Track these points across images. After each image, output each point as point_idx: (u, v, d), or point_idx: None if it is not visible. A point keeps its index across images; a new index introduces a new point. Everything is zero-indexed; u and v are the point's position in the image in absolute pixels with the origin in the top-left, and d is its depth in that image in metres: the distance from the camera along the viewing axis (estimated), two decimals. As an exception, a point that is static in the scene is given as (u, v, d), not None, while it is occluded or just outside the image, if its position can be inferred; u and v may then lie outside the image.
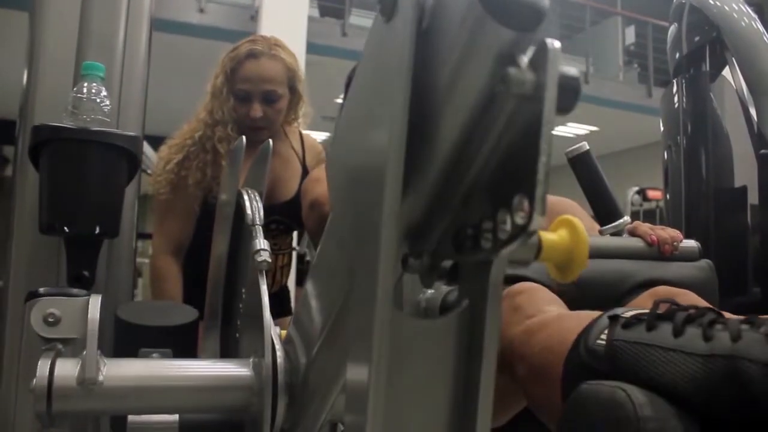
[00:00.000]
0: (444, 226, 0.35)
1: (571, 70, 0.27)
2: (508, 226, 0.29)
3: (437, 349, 0.35)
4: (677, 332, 0.52)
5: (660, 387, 0.49)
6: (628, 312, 0.57)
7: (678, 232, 1.07)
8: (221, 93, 1.49)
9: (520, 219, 0.28)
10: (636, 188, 7.02)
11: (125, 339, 0.76)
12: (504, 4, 0.26)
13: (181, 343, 0.76)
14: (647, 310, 0.56)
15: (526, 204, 0.28)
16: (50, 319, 0.63)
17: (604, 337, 0.55)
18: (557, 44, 0.27)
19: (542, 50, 0.27)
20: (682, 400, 0.48)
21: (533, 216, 0.27)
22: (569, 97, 0.27)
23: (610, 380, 0.52)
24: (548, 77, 0.27)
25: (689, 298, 0.88)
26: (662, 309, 0.56)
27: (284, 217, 1.59)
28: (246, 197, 0.73)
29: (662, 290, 0.95)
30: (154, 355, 0.69)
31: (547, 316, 0.67)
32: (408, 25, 0.31)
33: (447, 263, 0.36)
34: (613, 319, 0.56)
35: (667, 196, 1.97)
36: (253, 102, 1.47)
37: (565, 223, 0.34)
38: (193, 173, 1.46)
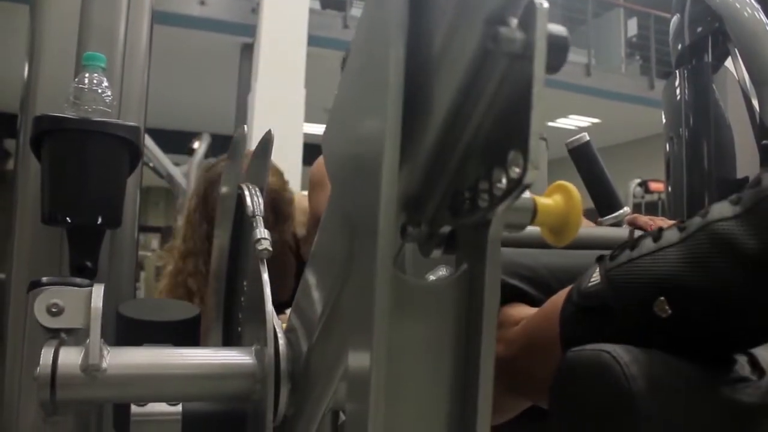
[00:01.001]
0: (441, 192, 0.36)
1: (560, 28, 0.29)
2: (504, 183, 0.30)
3: (437, 315, 0.35)
4: (656, 238, 0.54)
5: (656, 286, 0.51)
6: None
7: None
8: (193, 219, 1.38)
9: (514, 174, 0.29)
10: (638, 180, 7.02)
11: (127, 335, 0.76)
12: None
13: (183, 338, 0.76)
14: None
15: (520, 158, 0.29)
16: (53, 309, 0.63)
17: (596, 276, 0.57)
18: (545, 4, 0.28)
19: (531, 10, 0.28)
20: (681, 290, 0.50)
21: (527, 168, 0.28)
22: (558, 56, 0.28)
23: (608, 312, 0.54)
24: (537, 36, 0.28)
25: None
26: None
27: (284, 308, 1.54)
28: (246, 191, 0.73)
29: None
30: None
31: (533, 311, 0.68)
32: None
33: (445, 230, 0.37)
34: (600, 259, 0.59)
35: (669, 188, 1.97)
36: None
37: (559, 188, 0.35)
38: None
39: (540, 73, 0.28)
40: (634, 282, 0.53)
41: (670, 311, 0.50)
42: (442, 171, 0.35)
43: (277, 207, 1.45)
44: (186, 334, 0.76)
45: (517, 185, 0.29)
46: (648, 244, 0.54)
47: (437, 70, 0.32)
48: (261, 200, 0.70)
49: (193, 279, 1.37)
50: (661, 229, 0.55)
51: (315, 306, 0.51)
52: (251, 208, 0.69)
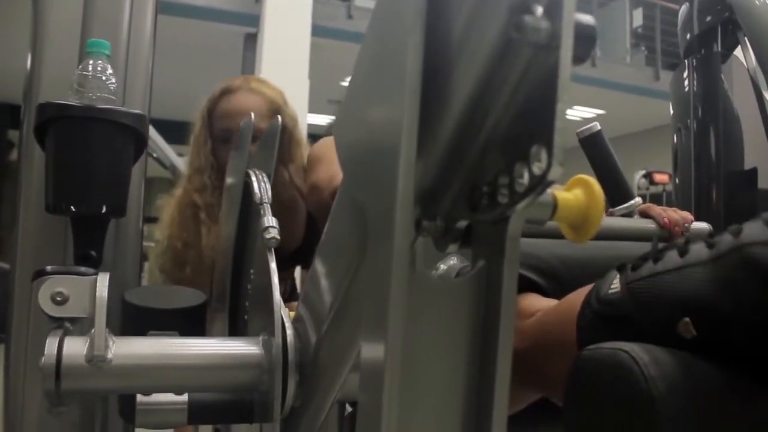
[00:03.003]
0: (458, 186, 0.34)
1: (587, 18, 0.27)
2: (526, 179, 0.28)
3: (453, 312, 0.34)
4: (682, 252, 0.52)
5: (681, 306, 0.49)
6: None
7: (689, 214, 1.06)
8: (199, 139, 1.40)
9: (537, 169, 0.28)
10: (643, 172, 6.98)
11: (132, 322, 0.76)
12: None
13: (189, 326, 0.75)
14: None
15: (543, 153, 0.27)
16: (58, 298, 0.63)
17: (616, 284, 0.55)
18: None
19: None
20: (708, 313, 0.48)
21: (552, 164, 0.27)
22: (585, 46, 0.27)
23: (628, 323, 0.52)
24: (564, 25, 0.26)
25: None
26: None
27: (293, 263, 1.52)
28: (253, 177, 0.72)
29: None
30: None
31: (550, 305, 0.66)
32: None
33: (461, 225, 0.36)
34: (621, 268, 0.57)
35: (677, 180, 1.95)
36: (233, 140, 1.37)
37: (580, 183, 0.34)
38: (179, 235, 1.38)
39: (567, 65, 0.27)
40: (658, 298, 0.51)
41: (694, 333, 0.48)
42: (460, 164, 0.34)
43: (287, 144, 1.44)
44: (192, 322, 0.75)
45: (540, 182, 0.28)
46: (674, 258, 0.52)
47: (456, 59, 0.31)
48: (268, 187, 0.69)
49: (199, 194, 1.37)
50: (687, 242, 0.53)
51: (324, 296, 0.50)
52: (258, 195, 0.67)
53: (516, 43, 0.28)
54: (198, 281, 1.36)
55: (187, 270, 1.37)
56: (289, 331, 0.58)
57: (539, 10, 0.27)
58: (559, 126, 0.27)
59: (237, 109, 1.37)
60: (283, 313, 0.59)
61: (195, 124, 1.42)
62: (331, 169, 1.28)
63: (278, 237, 0.62)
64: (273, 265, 0.61)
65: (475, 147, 0.33)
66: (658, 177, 6.90)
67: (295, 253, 1.49)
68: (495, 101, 0.31)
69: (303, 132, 1.54)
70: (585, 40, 0.27)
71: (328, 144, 1.43)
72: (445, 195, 0.35)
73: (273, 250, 0.61)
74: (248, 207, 0.76)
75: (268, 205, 0.66)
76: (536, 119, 0.28)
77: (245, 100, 1.39)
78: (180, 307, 0.76)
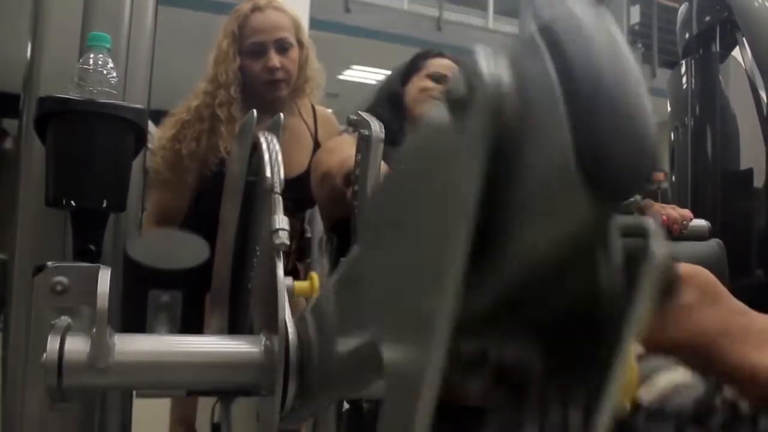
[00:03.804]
0: None
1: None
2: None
3: None
4: None
5: None
6: None
7: (688, 211, 1.06)
8: (227, 56, 1.45)
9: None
10: (638, 169, 7.01)
11: (135, 279, 0.75)
12: (602, 165, 0.19)
13: (192, 285, 0.74)
14: None
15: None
16: (58, 288, 0.62)
17: None
18: (663, 248, 0.22)
19: (642, 247, 0.22)
20: None
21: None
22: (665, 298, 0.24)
23: None
24: (644, 283, 0.22)
25: (701, 278, 0.85)
26: None
27: (292, 193, 1.53)
28: (263, 140, 0.66)
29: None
30: (164, 297, 0.68)
31: None
32: (479, 137, 0.22)
33: None
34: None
35: (673, 177, 1.96)
36: (268, 52, 1.43)
37: None
38: (187, 144, 1.40)
39: (638, 322, 0.22)
40: None
41: None
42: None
43: (299, 34, 1.50)
44: (195, 281, 0.74)
45: None
46: None
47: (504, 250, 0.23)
48: (281, 165, 0.63)
49: (222, 108, 1.42)
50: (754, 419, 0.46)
51: (335, 314, 0.49)
52: (270, 182, 0.62)
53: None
54: (182, 188, 1.42)
55: (183, 176, 1.41)
56: (291, 329, 0.57)
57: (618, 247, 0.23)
58: (611, 391, 0.22)
59: (269, 23, 1.45)
60: (287, 313, 0.58)
61: (220, 44, 1.47)
62: (341, 156, 1.28)
63: (287, 242, 0.59)
64: (280, 271, 0.59)
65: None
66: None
67: (297, 179, 1.49)
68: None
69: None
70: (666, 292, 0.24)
71: (339, 139, 1.45)
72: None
73: (281, 254, 0.59)
74: (251, 192, 0.74)
75: (280, 197, 0.61)
76: (582, 363, 0.24)
77: (276, 16, 1.47)
78: (183, 268, 0.75)
